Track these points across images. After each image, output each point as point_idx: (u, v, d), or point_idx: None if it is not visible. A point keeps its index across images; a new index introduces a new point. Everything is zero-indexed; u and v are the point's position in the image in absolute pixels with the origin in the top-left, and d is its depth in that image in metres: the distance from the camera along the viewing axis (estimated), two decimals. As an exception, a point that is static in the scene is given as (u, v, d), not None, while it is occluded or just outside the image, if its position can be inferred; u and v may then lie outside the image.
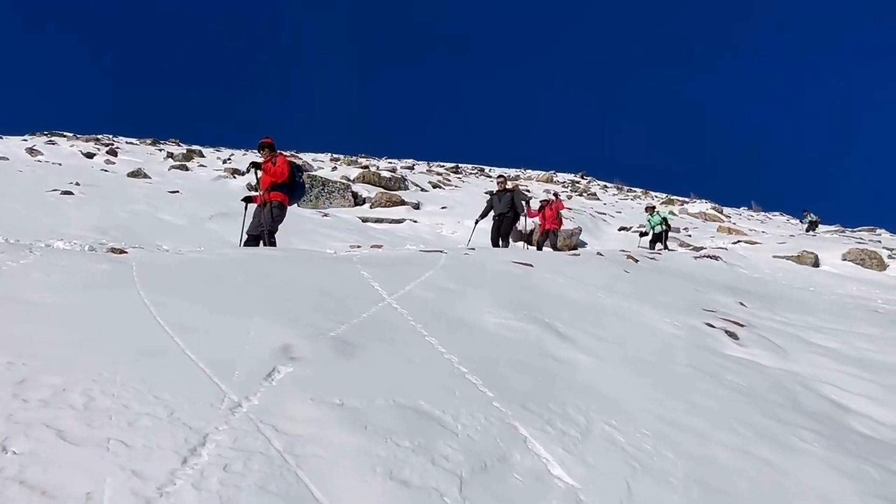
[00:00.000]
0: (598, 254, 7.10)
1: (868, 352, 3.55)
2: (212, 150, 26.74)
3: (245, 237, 5.41)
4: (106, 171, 16.02)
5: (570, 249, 11.95)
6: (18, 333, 1.80)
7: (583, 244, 13.74)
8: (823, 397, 2.54)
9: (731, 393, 2.36)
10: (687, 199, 27.88)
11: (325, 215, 12.44)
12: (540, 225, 11.12)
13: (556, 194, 13.46)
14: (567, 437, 1.70)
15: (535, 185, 26.94)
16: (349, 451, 1.41)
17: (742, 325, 3.78)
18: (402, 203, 14.72)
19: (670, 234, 14.90)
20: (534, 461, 1.54)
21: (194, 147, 26.71)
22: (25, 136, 22.85)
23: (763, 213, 27.79)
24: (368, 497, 1.25)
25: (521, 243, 11.70)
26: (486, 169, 33.05)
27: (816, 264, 9.68)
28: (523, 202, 8.77)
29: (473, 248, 6.42)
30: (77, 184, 10.77)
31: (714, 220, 21.22)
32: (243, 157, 23.79)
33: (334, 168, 21.56)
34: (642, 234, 12.68)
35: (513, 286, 3.87)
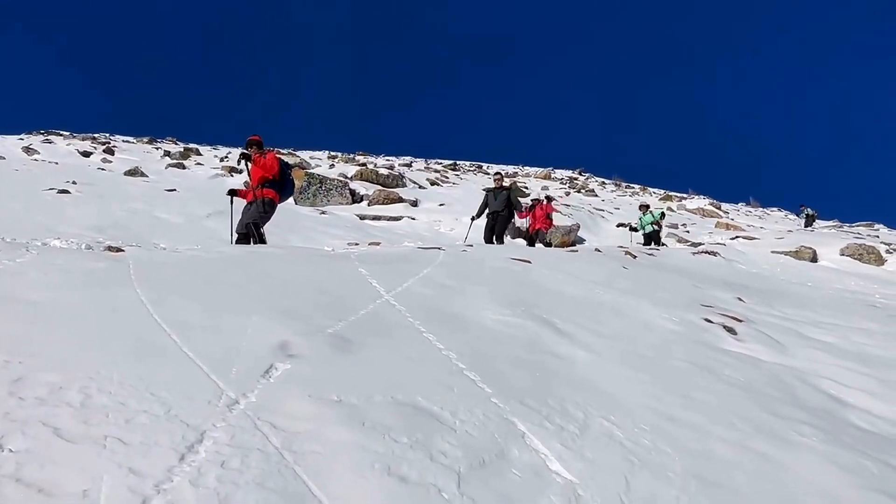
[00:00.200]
0: (597, 250, 7.10)
1: (866, 346, 3.55)
2: (209, 148, 26.66)
3: (235, 236, 5.34)
4: (103, 169, 15.97)
5: (568, 246, 11.96)
6: (15, 332, 1.80)
7: (581, 240, 13.75)
8: (821, 392, 2.54)
9: (730, 388, 2.36)
10: (685, 195, 27.90)
11: (323, 213, 12.43)
12: (530, 224, 11.10)
13: (548, 197, 13.23)
14: (565, 432, 1.70)
15: (534, 182, 26.94)
16: (347, 448, 1.40)
17: (740, 321, 3.79)
18: (400, 200, 14.71)
19: (668, 230, 14.86)
20: (532, 456, 1.54)
21: (191, 145, 26.63)
22: (22, 135, 22.75)
23: (761, 209, 27.86)
24: (366, 493, 1.25)
25: (519, 240, 11.71)
26: (485, 166, 33.04)
27: (815, 259, 9.70)
28: (520, 200, 8.69)
29: (471, 245, 6.42)
30: (74, 182, 10.73)
31: (712, 216, 21.26)
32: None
33: (332, 166, 21.51)
34: (632, 229, 12.36)
35: (511, 282, 3.87)
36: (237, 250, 3.90)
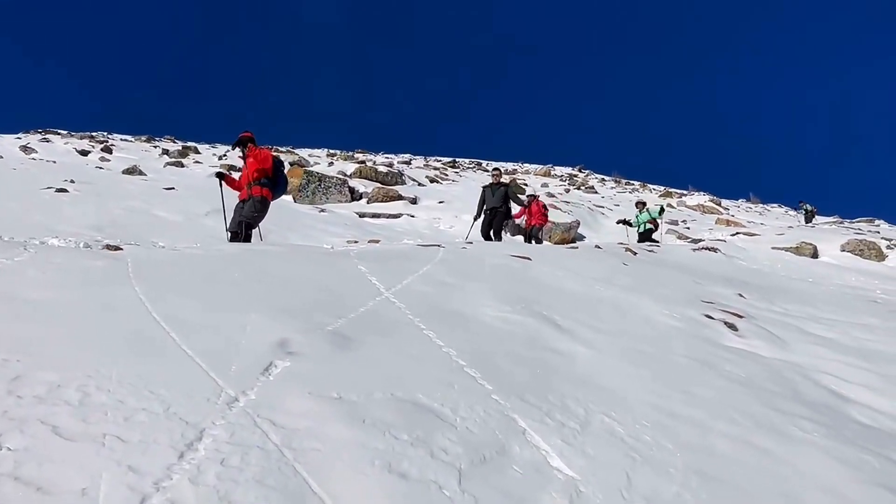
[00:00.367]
0: (597, 247, 7.10)
1: (867, 342, 3.55)
2: (207, 146, 26.60)
3: (228, 234, 5.30)
4: (101, 168, 15.93)
5: (568, 243, 11.94)
6: (13, 330, 1.79)
7: (581, 237, 13.74)
8: (822, 387, 2.54)
9: (731, 383, 2.36)
10: (685, 192, 27.87)
11: (322, 210, 12.41)
12: (526, 221, 11.04)
13: (535, 195, 12.96)
14: (566, 428, 1.70)
15: (533, 179, 26.91)
16: (347, 445, 1.40)
17: (741, 317, 3.78)
18: (399, 198, 14.69)
19: (668, 227, 14.80)
20: (533, 453, 1.53)
21: (190, 144, 26.57)
22: (19, 134, 22.69)
23: (761, 205, 27.83)
24: (367, 490, 1.25)
25: (519, 237, 11.69)
26: (484, 163, 32.98)
27: (815, 255, 9.70)
28: (520, 196, 8.60)
29: (471, 242, 6.41)
30: (72, 181, 10.71)
31: (712, 213, 21.24)
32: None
33: (331, 163, 21.47)
34: (627, 224, 12.18)
35: (511, 279, 3.86)
36: (236, 248, 3.89)
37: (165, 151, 22.24)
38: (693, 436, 1.79)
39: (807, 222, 18.64)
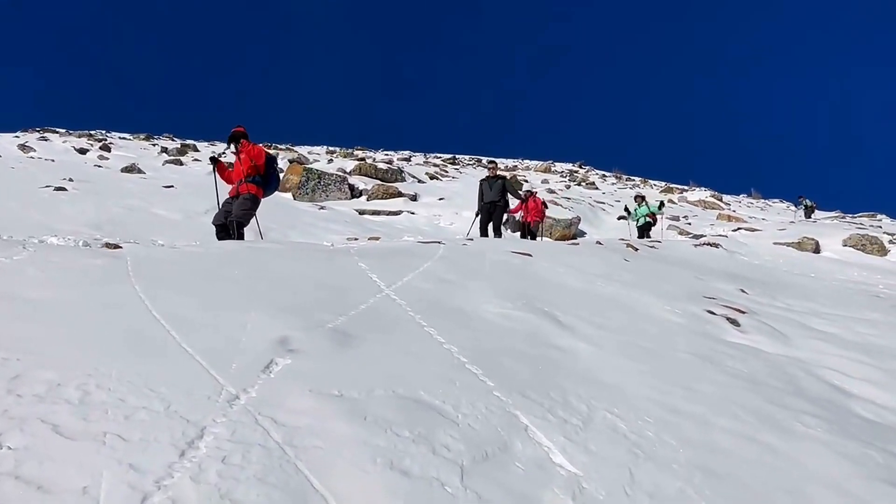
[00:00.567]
0: (598, 243, 7.09)
1: (870, 336, 3.54)
2: (206, 144, 26.55)
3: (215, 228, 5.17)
4: (99, 166, 15.92)
5: (568, 239, 11.93)
6: (13, 329, 1.78)
7: (582, 233, 13.72)
8: (825, 382, 2.53)
9: (733, 379, 2.35)
10: (686, 187, 27.82)
11: (322, 208, 12.39)
12: (522, 216, 10.99)
13: (532, 191, 12.97)
14: (568, 425, 1.69)
15: (533, 175, 26.86)
16: (349, 442, 1.39)
17: (743, 312, 3.77)
18: (400, 195, 14.67)
19: (669, 222, 14.77)
20: (535, 450, 1.53)
21: (188, 141, 26.52)
22: (17, 133, 22.65)
23: (763, 201, 27.78)
24: (369, 487, 1.24)
25: (519, 234, 11.67)
26: (484, 160, 32.92)
27: (817, 250, 9.68)
28: (519, 192, 8.46)
29: (472, 239, 6.40)
30: (70, 180, 10.70)
31: (714, 208, 21.21)
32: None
33: (330, 160, 21.44)
34: (626, 211, 12.09)
35: (512, 276, 3.85)
36: (235, 246, 3.88)
37: (164, 149, 22.20)
38: (696, 432, 1.78)
39: (806, 217, 18.62)
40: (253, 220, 5.31)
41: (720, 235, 10.95)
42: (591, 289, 3.85)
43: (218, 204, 5.52)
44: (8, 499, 1.05)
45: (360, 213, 12.61)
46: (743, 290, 4.85)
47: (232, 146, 5.24)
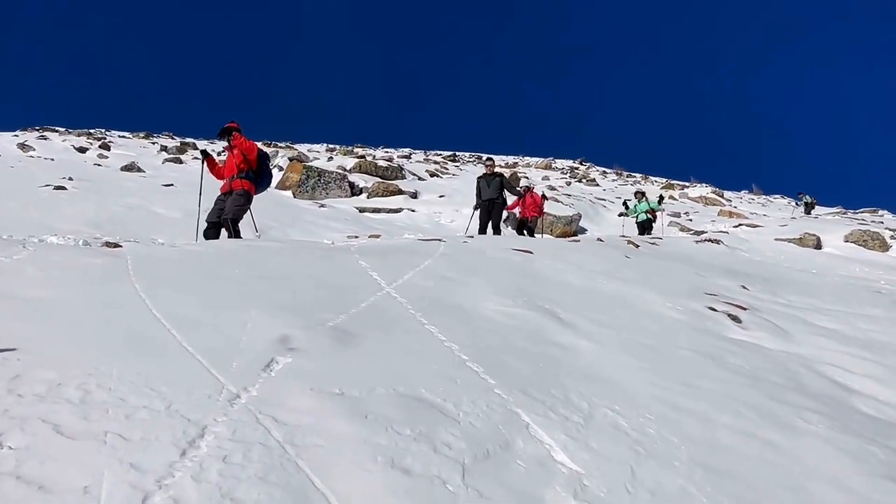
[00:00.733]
0: (599, 240, 7.08)
1: (871, 333, 3.54)
2: (206, 142, 26.52)
3: (205, 225, 5.13)
4: (99, 165, 15.91)
5: (569, 236, 11.91)
6: (13, 328, 1.78)
7: (582, 230, 13.71)
8: (827, 379, 2.53)
9: (735, 376, 2.35)
10: (687, 184, 27.76)
11: (322, 206, 12.38)
12: (520, 212, 10.96)
13: (529, 186, 12.89)
14: (570, 422, 1.69)
15: (534, 172, 26.83)
16: (350, 441, 1.39)
17: (744, 309, 3.77)
18: (400, 192, 14.66)
19: (670, 219, 14.74)
20: (537, 447, 1.52)
21: (188, 140, 26.50)
22: (17, 132, 22.64)
23: (764, 197, 27.74)
24: (370, 486, 1.24)
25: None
26: (484, 157, 32.87)
27: (818, 246, 9.66)
28: (518, 189, 8.40)
29: (472, 236, 6.39)
30: (70, 178, 10.70)
31: (715, 204, 21.19)
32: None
33: (330, 158, 21.41)
34: (625, 206, 12.03)
35: (513, 273, 3.84)
36: (235, 245, 3.88)
37: (164, 148, 22.19)
38: (697, 429, 1.78)
39: (806, 213, 18.59)
40: (248, 216, 5.30)
41: (721, 232, 10.93)
42: (592, 286, 3.84)
43: (200, 196, 5.50)
44: (9, 499, 1.05)
45: (360, 211, 12.60)
46: (744, 287, 4.84)
47: (225, 140, 5.19)
